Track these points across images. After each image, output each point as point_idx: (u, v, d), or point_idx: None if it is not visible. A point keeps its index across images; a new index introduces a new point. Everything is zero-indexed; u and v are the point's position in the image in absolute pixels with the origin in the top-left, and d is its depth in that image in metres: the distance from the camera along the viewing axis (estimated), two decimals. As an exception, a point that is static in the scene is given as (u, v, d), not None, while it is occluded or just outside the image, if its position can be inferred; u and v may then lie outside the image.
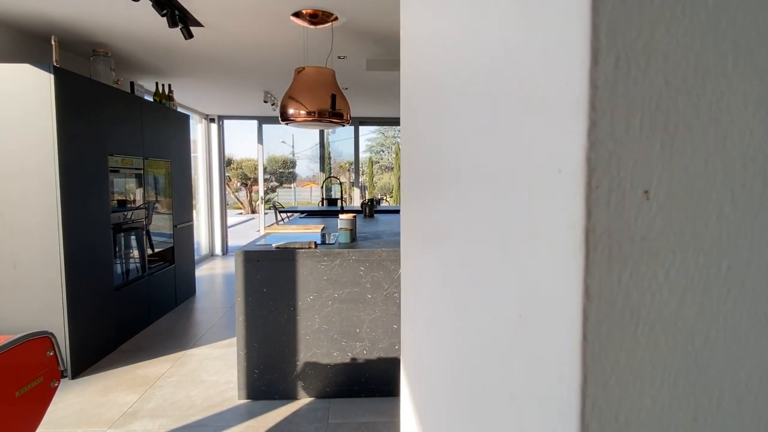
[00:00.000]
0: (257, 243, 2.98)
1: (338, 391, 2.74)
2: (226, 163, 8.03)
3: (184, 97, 5.96)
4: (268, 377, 2.71)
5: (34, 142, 2.87)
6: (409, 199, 0.95)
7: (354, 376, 2.73)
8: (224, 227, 7.79)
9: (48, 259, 2.92)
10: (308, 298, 2.70)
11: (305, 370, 2.72)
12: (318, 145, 8.49)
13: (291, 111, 3.03)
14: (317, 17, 3.05)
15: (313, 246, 2.77)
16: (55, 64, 2.93)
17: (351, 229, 3.02)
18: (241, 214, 18.91)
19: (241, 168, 19.27)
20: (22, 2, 2.83)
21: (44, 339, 1.39)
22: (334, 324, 2.71)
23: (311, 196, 23.71)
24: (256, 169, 19.35)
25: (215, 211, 7.63)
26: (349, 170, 22.79)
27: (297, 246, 2.75)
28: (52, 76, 2.86)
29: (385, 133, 26.43)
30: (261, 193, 7.94)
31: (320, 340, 2.71)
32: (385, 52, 3.94)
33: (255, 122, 7.78)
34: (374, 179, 22.59)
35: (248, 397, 2.71)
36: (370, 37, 3.53)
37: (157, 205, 4.28)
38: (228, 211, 8.62)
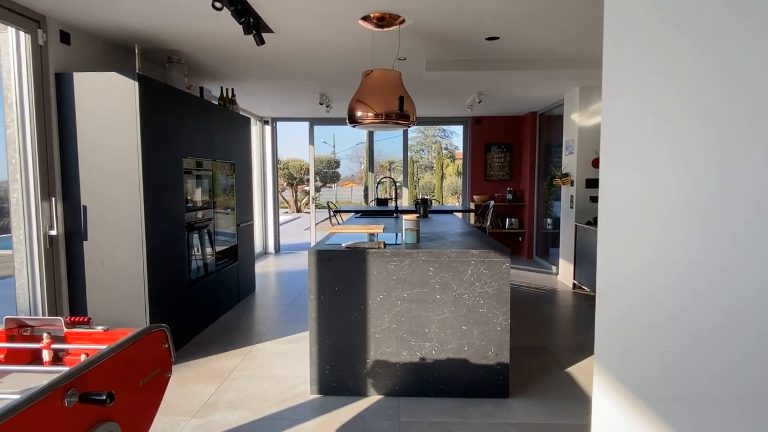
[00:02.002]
0: (326, 242, 3.05)
1: (407, 390, 2.77)
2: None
3: (242, 101, 6.17)
4: (339, 374, 2.78)
5: (122, 144, 3.05)
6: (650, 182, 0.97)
7: (423, 375, 2.75)
8: (277, 226, 8.01)
9: (132, 256, 3.11)
10: (378, 297, 2.74)
11: (375, 368, 2.77)
12: (361, 145, 8.58)
13: (359, 113, 3.09)
14: (384, 20, 3.08)
15: (382, 246, 2.81)
16: (138, 71, 3.10)
17: (416, 230, 3.05)
18: (286, 213, 19.37)
19: (287, 168, 19.74)
20: (110, 15, 3.02)
21: (160, 332, 1.49)
22: (403, 323, 2.74)
23: (351, 196, 23.97)
24: (301, 169, 19.75)
25: (268, 211, 7.85)
26: (389, 169, 22.89)
27: (366, 246, 2.80)
28: (136, 83, 3.04)
29: (424, 132, 26.33)
30: (312, 193, 8.10)
31: (389, 339, 2.75)
32: (446, 52, 3.94)
33: (306, 123, 7.95)
34: (415, 178, 22.58)
35: (320, 392, 2.78)
36: (432, 38, 3.54)
37: (215, 203, 4.45)
38: (279, 210, 8.83)
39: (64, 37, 3.14)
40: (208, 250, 4.19)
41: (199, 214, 3.99)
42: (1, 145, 3.02)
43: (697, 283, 0.82)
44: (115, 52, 3.67)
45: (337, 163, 23.17)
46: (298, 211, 20.14)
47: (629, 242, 1.04)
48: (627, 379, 1.02)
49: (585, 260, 5.12)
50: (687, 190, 0.86)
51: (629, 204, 1.04)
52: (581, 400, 2.73)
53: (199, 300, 3.93)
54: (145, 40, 3.52)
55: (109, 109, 3.05)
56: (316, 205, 8.22)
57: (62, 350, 1.48)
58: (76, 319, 1.51)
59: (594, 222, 5.05)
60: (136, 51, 3.19)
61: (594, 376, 1.12)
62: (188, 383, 2.96)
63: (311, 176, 8.12)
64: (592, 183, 5.33)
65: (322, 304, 2.75)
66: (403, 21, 3.10)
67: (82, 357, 1.36)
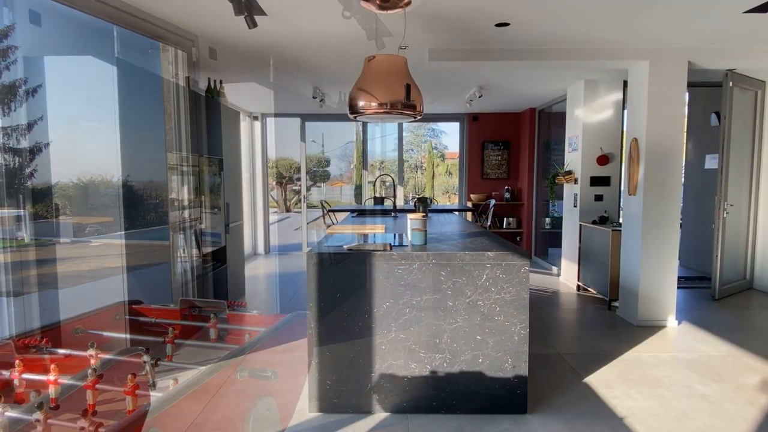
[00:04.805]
0: (325, 244, 2.79)
1: (416, 406, 2.52)
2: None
3: (230, 95, 5.87)
4: (340, 389, 2.52)
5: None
6: None
7: (434, 390, 2.51)
8: (267, 226, 7.72)
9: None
10: (384, 305, 2.49)
11: (380, 382, 2.52)
12: (350, 144, 8.34)
13: (361, 103, 2.84)
14: (388, 1, 2.84)
15: (389, 248, 2.57)
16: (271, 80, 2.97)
17: (424, 230, 2.80)
18: (275, 212, 19.02)
19: (276, 167, 19.40)
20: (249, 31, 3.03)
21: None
22: (412, 333, 2.50)
23: (341, 195, 23.68)
24: (291, 167, 19.40)
25: (258, 210, 7.55)
26: (379, 168, 22.65)
27: (371, 248, 2.56)
28: (271, 91, 2.89)
29: (414, 131, 26.11)
30: (304, 192, 7.84)
31: (397, 351, 2.51)
32: (450, 40, 3.71)
33: (297, 120, 7.67)
34: (405, 177, 22.42)
35: (320, 410, 2.52)
36: (438, 24, 3.31)
37: (202, 202, 4.16)
38: (269, 209, 8.52)
39: (212, 53, 3.47)
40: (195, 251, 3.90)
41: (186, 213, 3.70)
42: (161, 150, 3.19)
43: None
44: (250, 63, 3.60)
45: (327, 162, 22.88)
46: (288, 210, 19.78)
47: None
48: None
49: (591, 261, 4.93)
50: None
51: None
52: (605, 416, 2.51)
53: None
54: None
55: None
56: (306, 204, 7.95)
57: (225, 329, 1.62)
58: (235, 303, 1.70)
59: (600, 221, 4.86)
60: (271, 62, 3.20)
61: None
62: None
63: (303, 174, 7.84)
64: (598, 181, 5.14)
65: (321, 312, 2.50)
66: (409, 2, 2.85)
67: (246, 337, 1.53)
